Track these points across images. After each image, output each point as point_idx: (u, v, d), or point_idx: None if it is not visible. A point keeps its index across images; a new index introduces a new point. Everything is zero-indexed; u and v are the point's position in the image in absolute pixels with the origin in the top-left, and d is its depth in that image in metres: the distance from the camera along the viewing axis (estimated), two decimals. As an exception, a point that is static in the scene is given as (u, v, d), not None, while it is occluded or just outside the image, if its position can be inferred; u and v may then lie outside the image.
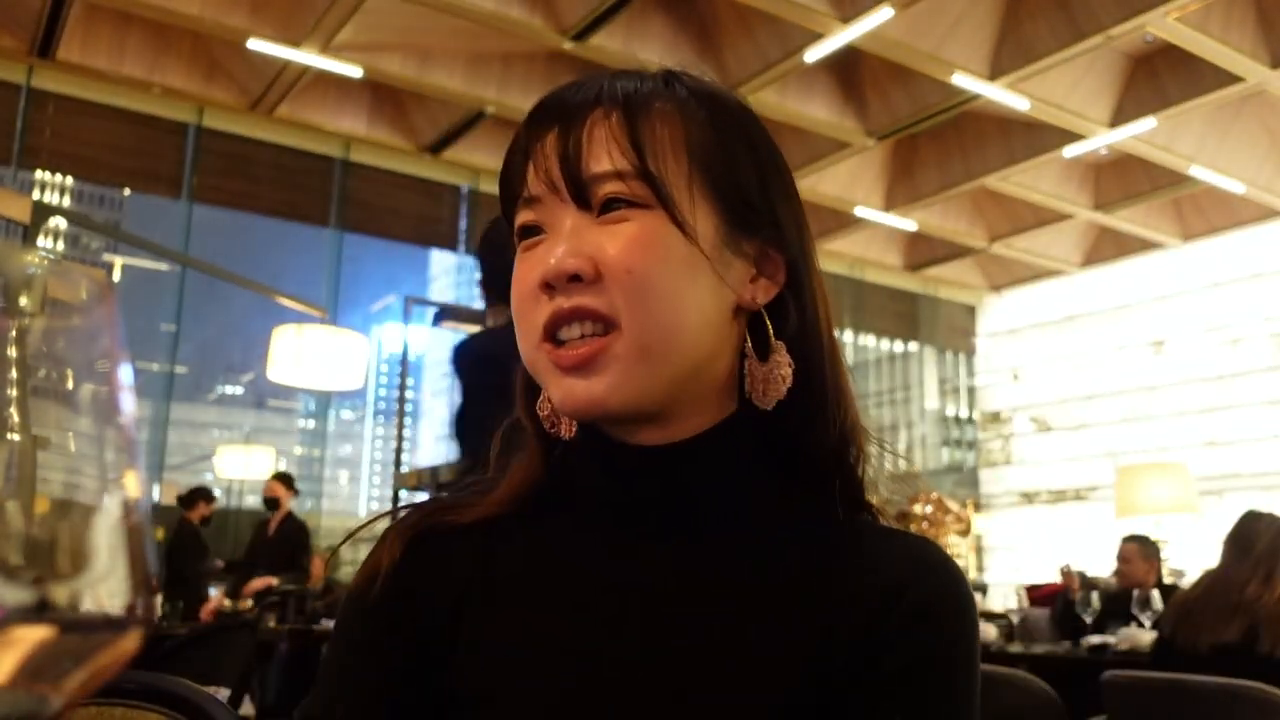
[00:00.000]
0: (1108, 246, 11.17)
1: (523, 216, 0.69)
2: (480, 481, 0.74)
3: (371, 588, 0.69)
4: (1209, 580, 3.08)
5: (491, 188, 3.64)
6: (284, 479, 5.98)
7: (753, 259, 0.69)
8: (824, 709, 0.61)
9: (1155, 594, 4.19)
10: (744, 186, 0.68)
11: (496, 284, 2.24)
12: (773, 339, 0.68)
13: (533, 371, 0.68)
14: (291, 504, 5.97)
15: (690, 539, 0.67)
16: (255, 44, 7.12)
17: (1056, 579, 6.80)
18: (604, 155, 0.65)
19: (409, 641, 0.68)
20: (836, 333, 0.73)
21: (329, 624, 3.92)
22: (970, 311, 12.67)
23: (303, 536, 5.91)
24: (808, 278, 0.70)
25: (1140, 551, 4.64)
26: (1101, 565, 7.09)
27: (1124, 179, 9.65)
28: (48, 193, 8.50)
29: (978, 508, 11.50)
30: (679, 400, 0.67)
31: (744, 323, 0.69)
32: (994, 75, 7.37)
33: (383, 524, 0.74)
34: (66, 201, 9.60)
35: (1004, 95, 7.65)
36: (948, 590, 0.65)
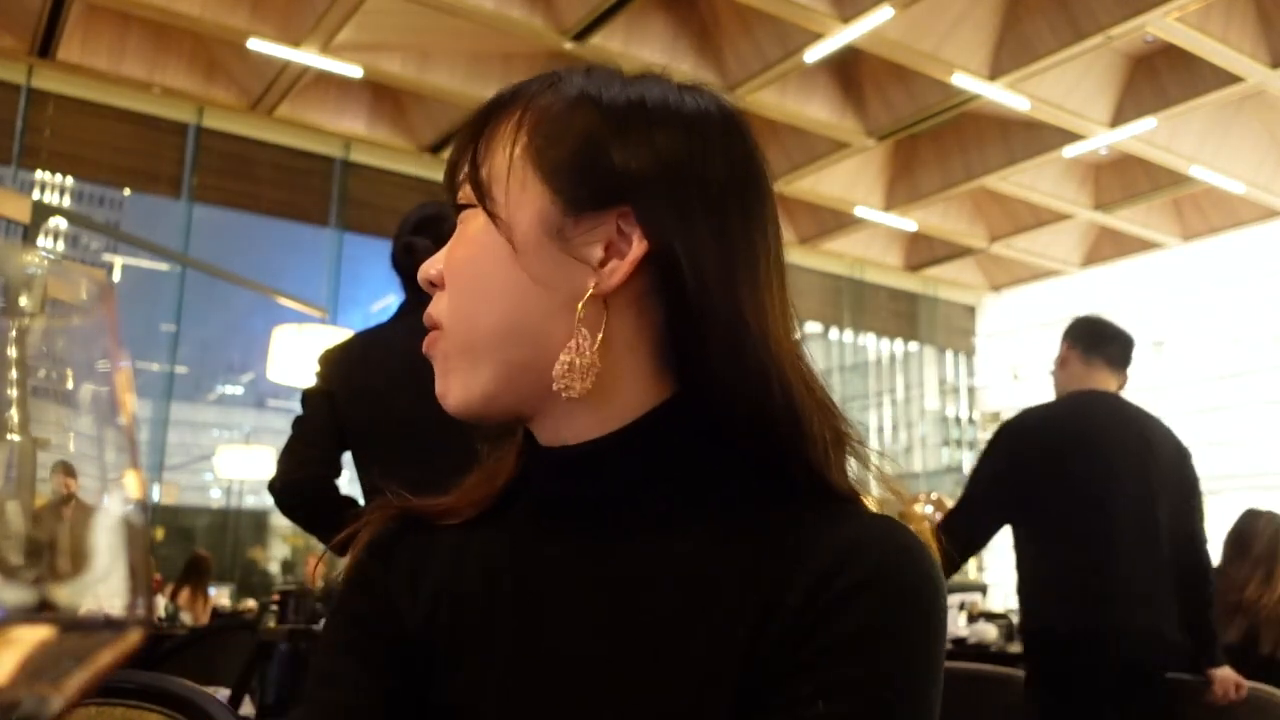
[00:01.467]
0: (1108, 246, 11.17)
1: None
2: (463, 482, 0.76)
3: (350, 592, 0.72)
4: (1209, 580, 3.07)
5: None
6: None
7: (604, 241, 0.65)
8: (756, 696, 0.59)
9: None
10: (583, 166, 0.65)
11: None
12: (577, 321, 0.64)
13: None
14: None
15: (623, 536, 0.66)
16: (255, 44, 7.12)
17: (1056, 579, 6.78)
18: (460, 162, 0.70)
19: (386, 646, 0.69)
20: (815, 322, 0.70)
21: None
22: (970, 311, 12.68)
23: None
24: (687, 254, 0.64)
25: None
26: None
27: (1124, 179, 9.65)
28: (48, 193, 8.49)
29: (978, 508, 11.48)
30: (554, 401, 0.66)
31: (618, 307, 0.65)
32: (994, 75, 7.37)
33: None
34: (66, 201, 9.58)
35: (1004, 95, 7.65)
36: (887, 566, 0.60)
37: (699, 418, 0.66)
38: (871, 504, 0.68)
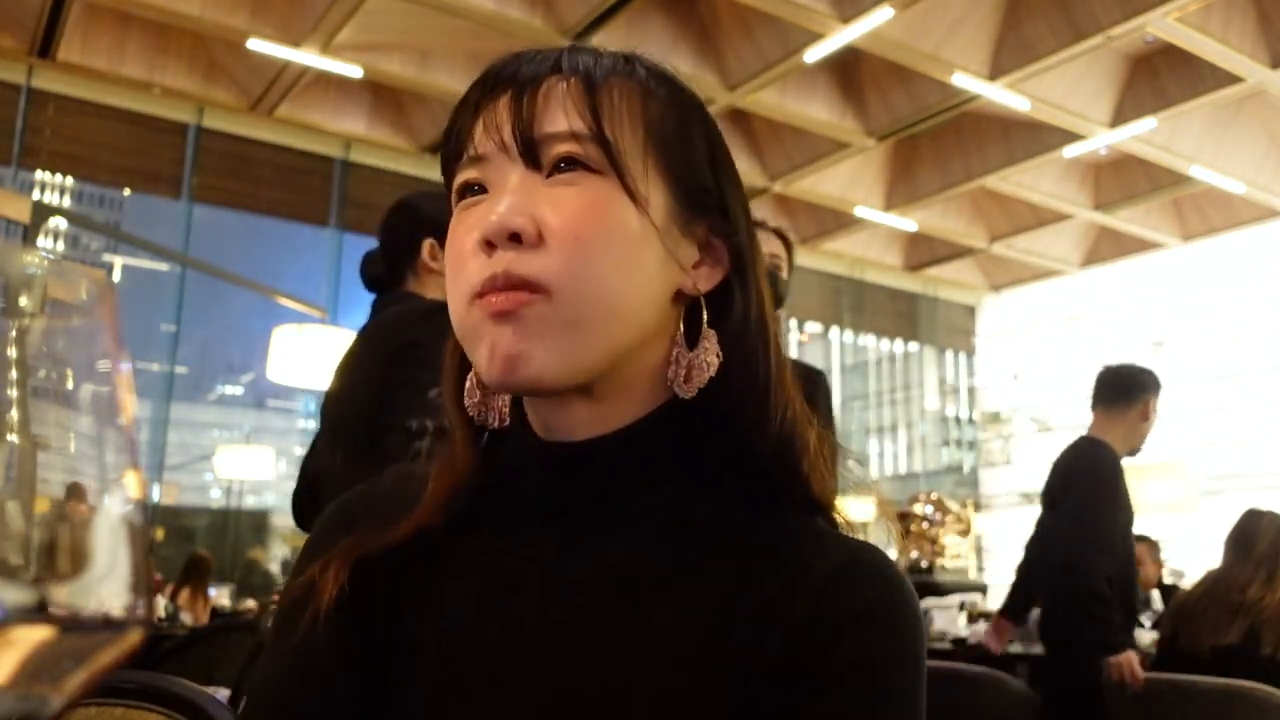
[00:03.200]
0: (1108, 246, 11.17)
1: (465, 174, 0.66)
2: (410, 478, 0.71)
3: (312, 618, 0.65)
4: (1210, 581, 3.07)
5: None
6: None
7: (699, 245, 0.67)
8: (750, 709, 0.60)
9: (1155, 594, 4.18)
10: (697, 168, 0.67)
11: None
12: (705, 326, 0.66)
13: (463, 336, 0.64)
14: None
15: (622, 535, 0.64)
16: (255, 44, 7.12)
17: (1056, 579, 6.77)
18: (560, 116, 0.63)
19: (359, 668, 0.66)
20: (781, 329, 0.70)
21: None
22: (970, 311, 12.67)
23: None
24: (752, 269, 0.68)
25: (1149, 552, 4.63)
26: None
27: (1124, 179, 9.65)
28: (48, 193, 8.50)
29: (978, 508, 11.50)
30: (611, 381, 0.64)
31: (683, 309, 0.67)
32: (994, 75, 7.37)
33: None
34: (66, 201, 9.59)
35: (1004, 95, 7.65)
36: (883, 596, 0.62)
37: (701, 422, 0.66)
38: (847, 512, 0.70)
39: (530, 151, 0.63)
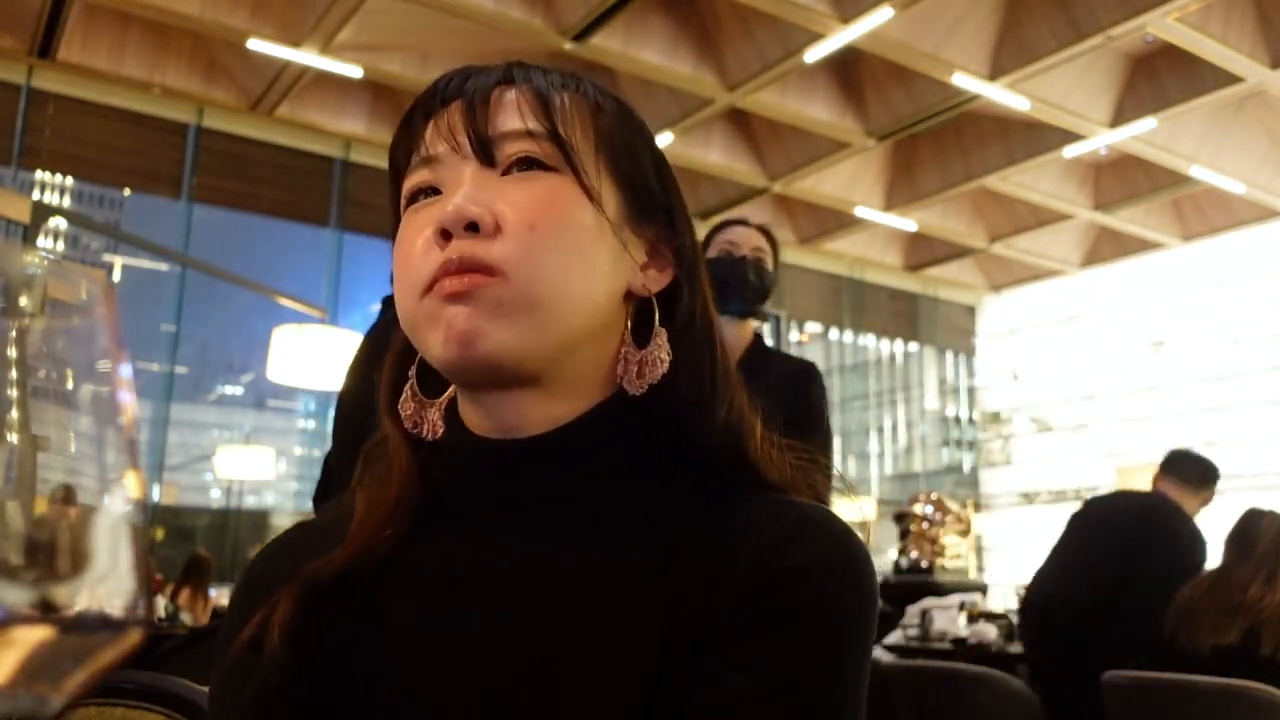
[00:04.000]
0: (1108, 246, 11.17)
1: (416, 177, 0.66)
2: (343, 503, 0.70)
3: (259, 653, 0.62)
4: (1210, 581, 3.07)
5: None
6: None
7: (647, 248, 0.69)
8: (704, 678, 0.59)
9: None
10: (645, 173, 0.69)
11: None
12: (656, 324, 0.67)
13: (414, 326, 0.63)
14: None
15: (571, 531, 0.63)
16: (255, 44, 7.12)
17: (1056, 579, 6.76)
18: (514, 116, 0.64)
19: (311, 693, 0.63)
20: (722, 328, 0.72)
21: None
22: (970, 311, 12.67)
23: None
24: (697, 271, 0.70)
25: None
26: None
27: (1124, 179, 9.65)
28: (48, 193, 8.49)
29: (978, 508, 11.50)
30: (561, 375, 0.64)
31: (631, 309, 0.68)
32: (994, 75, 7.37)
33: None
34: (66, 201, 9.59)
35: (1004, 95, 7.65)
36: (827, 550, 0.61)
37: (648, 416, 0.66)
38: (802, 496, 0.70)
39: (485, 149, 0.64)
